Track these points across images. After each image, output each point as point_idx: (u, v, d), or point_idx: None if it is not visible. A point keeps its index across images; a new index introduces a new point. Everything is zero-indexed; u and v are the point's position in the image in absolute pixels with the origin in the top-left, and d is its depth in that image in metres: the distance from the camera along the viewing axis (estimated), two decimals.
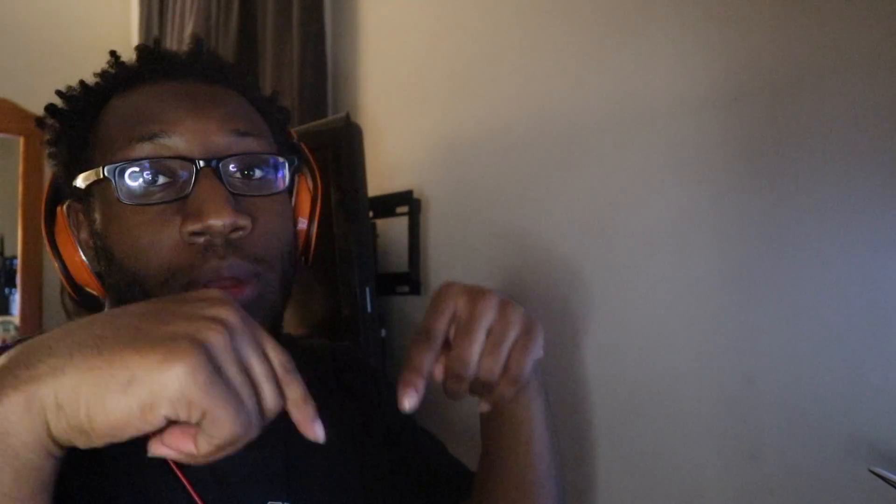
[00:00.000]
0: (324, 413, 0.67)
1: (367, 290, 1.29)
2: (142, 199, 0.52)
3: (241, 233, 0.52)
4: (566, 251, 1.19)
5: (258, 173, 0.56)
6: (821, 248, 0.91)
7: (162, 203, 0.52)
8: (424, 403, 0.49)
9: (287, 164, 0.57)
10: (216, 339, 0.36)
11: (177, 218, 0.52)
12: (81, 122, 0.58)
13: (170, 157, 0.52)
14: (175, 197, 0.52)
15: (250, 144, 0.55)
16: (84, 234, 0.59)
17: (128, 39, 2.50)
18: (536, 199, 1.24)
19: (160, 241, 0.52)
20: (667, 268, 1.06)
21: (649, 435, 1.08)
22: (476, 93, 1.35)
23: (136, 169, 0.52)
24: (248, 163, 0.55)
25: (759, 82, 0.96)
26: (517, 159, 1.27)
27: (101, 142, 0.56)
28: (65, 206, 0.60)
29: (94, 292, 0.60)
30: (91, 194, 0.56)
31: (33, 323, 2.29)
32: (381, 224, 1.50)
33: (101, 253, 0.56)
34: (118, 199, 0.52)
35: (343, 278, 1.30)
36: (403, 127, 1.51)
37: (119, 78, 0.59)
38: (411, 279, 1.43)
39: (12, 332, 2.45)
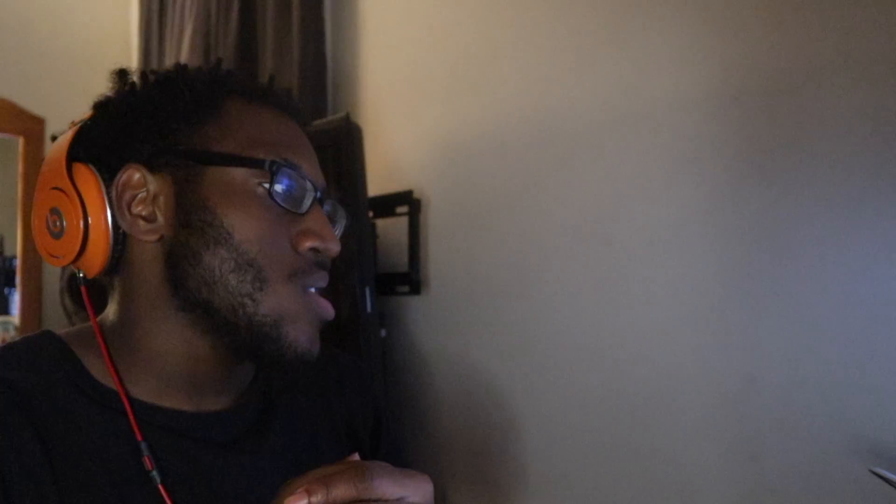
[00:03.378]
0: (314, 437, 0.67)
1: (368, 289, 1.29)
2: (284, 201, 0.58)
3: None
4: (566, 250, 1.19)
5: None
6: (820, 248, 0.91)
7: (290, 212, 0.59)
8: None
9: (346, 222, 0.68)
10: None
11: (288, 227, 0.59)
12: (208, 100, 0.61)
13: (310, 180, 0.60)
14: (297, 211, 0.59)
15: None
16: (147, 193, 0.58)
17: (127, 40, 2.50)
18: (536, 199, 1.24)
19: (281, 243, 0.58)
20: (667, 267, 1.06)
21: (650, 435, 1.08)
22: (476, 93, 1.35)
23: (288, 174, 0.59)
24: (337, 210, 0.67)
25: (758, 82, 0.96)
26: (517, 159, 1.27)
27: (233, 132, 0.60)
28: (119, 168, 0.58)
29: (91, 265, 0.59)
30: (203, 169, 0.58)
31: (33, 323, 2.29)
32: (381, 224, 1.50)
33: (207, 228, 0.57)
34: (262, 190, 0.57)
35: (343, 278, 1.30)
36: (403, 127, 1.51)
37: (240, 83, 0.63)
38: (411, 279, 1.43)
39: (12, 332, 2.45)
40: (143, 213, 0.58)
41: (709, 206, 1.01)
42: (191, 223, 0.57)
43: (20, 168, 2.30)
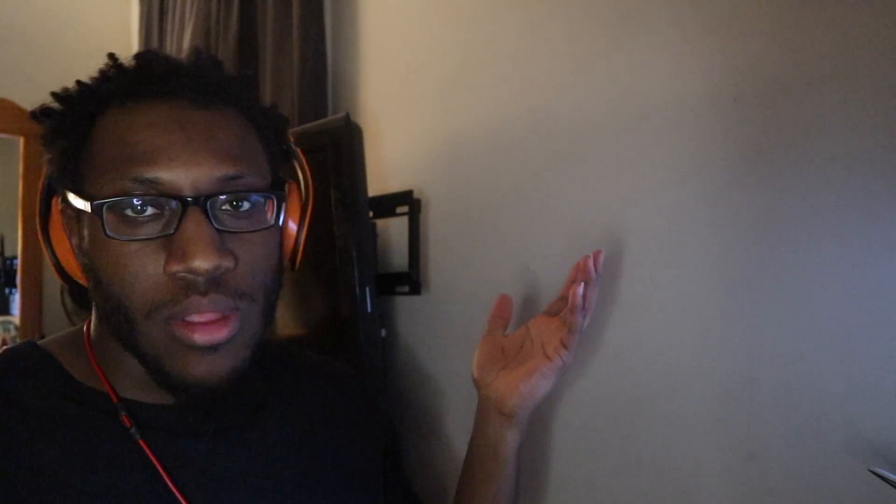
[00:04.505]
0: (308, 446, 0.68)
1: (368, 289, 1.29)
2: (128, 234, 0.53)
3: (223, 272, 0.53)
4: (566, 251, 1.19)
5: (246, 205, 0.56)
6: (821, 248, 0.91)
7: (146, 239, 0.53)
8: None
9: (276, 201, 0.58)
10: None
11: (162, 253, 0.53)
12: (76, 129, 0.57)
13: (159, 196, 0.53)
14: (160, 234, 0.53)
15: (240, 186, 0.56)
16: (75, 240, 0.60)
17: (128, 39, 2.50)
18: (536, 199, 1.24)
19: (144, 275, 0.53)
20: (666, 267, 1.06)
21: (649, 434, 1.08)
22: (476, 93, 1.35)
23: (125, 202, 0.53)
24: (236, 198, 0.56)
25: (759, 83, 0.96)
26: (517, 159, 1.27)
27: (94, 164, 0.56)
28: (60, 202, 0.60)
29: (83, 282, 0.62)
30: (82, 214, 0.57)
31: (33, 323, 2.29)
32: (381, 224, 1.50)
33: (89, 272, 0.57)
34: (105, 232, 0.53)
35: (343, 278, 1.30)
36: (403, 127, 1.51)
37: (115, 88, 0.57)
38: (411, 279, 1.43)
39: (12, 332, 2.45)
40: (80, 257, 0.60)
41: (709, 206, 1.01)
42: (83, 265, 0.58)
43: (20, 168, 2.30)
